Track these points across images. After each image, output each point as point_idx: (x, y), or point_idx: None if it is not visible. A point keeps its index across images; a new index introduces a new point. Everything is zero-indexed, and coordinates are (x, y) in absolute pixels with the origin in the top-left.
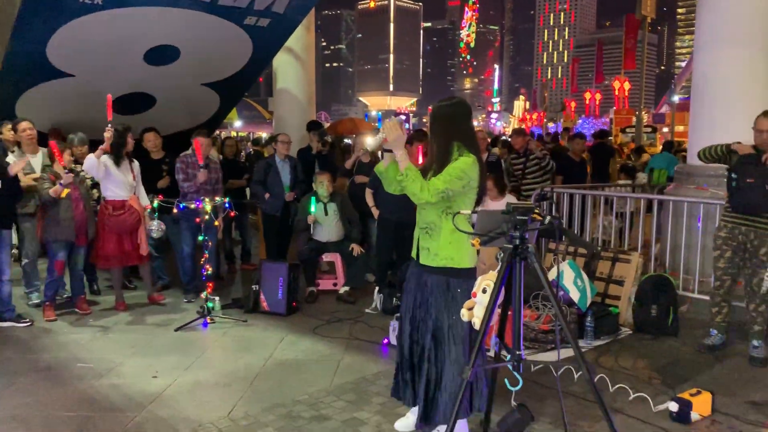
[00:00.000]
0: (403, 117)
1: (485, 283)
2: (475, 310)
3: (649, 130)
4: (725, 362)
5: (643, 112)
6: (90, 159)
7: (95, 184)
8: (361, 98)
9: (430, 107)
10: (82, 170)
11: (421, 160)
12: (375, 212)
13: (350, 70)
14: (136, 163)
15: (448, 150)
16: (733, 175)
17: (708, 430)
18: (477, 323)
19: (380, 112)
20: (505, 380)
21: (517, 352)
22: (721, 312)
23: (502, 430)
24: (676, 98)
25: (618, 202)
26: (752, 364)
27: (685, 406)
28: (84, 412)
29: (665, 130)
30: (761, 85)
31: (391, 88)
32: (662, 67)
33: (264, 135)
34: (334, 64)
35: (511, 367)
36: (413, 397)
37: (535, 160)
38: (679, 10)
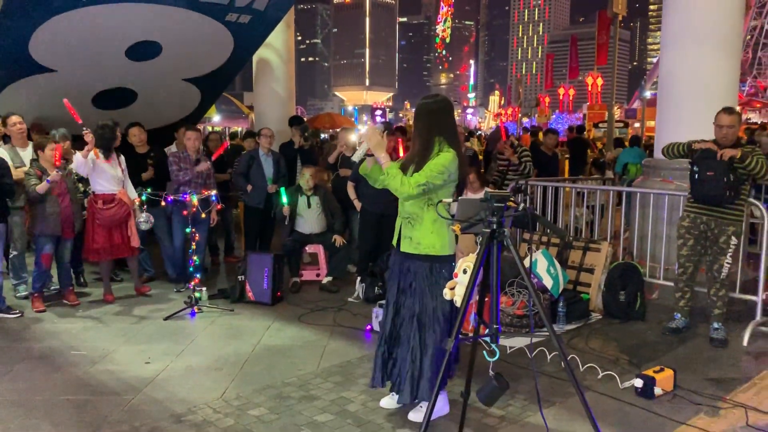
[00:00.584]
0: (380, 112)
1: (465, 264)
2: (457, 289)
3: (621, 125)
4: (688, 343)
5: (616, 108)
6: (78, 158)
7: (81, 178)
8: (337, 93)
9: (406, 102)
10: (71, 165)
11: (401, 153)
12: (357, 205)
13: (326, 64)
14: (122, 157)
15: (430, 145)
16: (695, 168)
17: (670, 403)
18: (458, 301)
19: (356, 108)
20: (483, 352)
21: (495, 326)
22: (684, 297)
23: (481, 398)
24: (647, 94)
25: (589, 194)
26: (713, 344)
27: (650, 382)
28: (81, 395)
29: (637, 125)
30: (724, 82)
31: (367, 82)
32: (634, 63)
33: (240, 129)
34: (310, 59)
35: (489, 339)
36: (382, 378)
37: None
38: (651, 7)
